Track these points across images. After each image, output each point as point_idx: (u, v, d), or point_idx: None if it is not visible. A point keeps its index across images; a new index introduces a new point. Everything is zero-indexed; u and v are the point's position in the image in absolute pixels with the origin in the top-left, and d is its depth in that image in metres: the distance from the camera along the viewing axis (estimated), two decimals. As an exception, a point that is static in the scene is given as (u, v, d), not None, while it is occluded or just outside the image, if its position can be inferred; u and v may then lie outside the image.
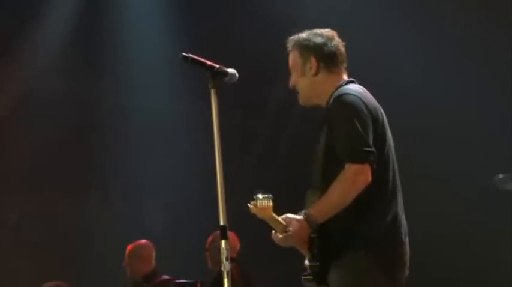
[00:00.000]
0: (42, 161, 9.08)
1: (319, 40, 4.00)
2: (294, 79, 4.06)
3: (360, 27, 8.01)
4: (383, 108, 3.99)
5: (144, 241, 7.41)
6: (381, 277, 3.77)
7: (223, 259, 3.64)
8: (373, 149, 3.73)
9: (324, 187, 3.79)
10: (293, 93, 4.11)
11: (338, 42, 4.04)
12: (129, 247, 7.36)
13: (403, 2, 8.38)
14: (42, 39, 8.95)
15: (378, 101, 3.96)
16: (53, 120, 9.05)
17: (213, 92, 3.76)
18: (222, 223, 3.66)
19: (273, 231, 3.82)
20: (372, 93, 3.98)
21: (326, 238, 3.78)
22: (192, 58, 3.79)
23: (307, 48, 4.00)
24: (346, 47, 4.08)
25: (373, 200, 3.79)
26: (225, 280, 3.64)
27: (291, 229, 3.76)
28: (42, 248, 9.04)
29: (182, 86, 8.85)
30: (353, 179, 3.69)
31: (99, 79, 9.37)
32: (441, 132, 8.28)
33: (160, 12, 9.06)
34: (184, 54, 3.79)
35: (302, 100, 4.06)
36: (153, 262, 7.33)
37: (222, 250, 3.65)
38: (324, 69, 3.99)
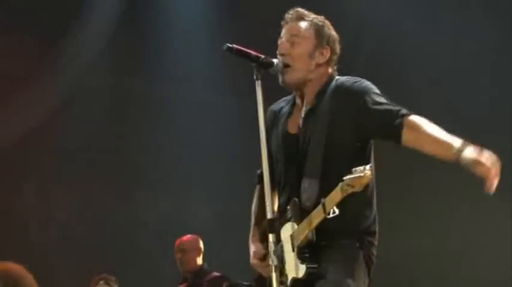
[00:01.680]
0: (89, 159, 9.13)
1: (335, 35, 3.91)
2: (294, 51, 3.83)
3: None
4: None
5: (190, 235, 7.40)
6: (366, 276, 3.74)
7: (271, 253, 3.59)
8: None
9: (325, 176, 3.62)
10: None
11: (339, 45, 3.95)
12: (177, 241, 7.35)
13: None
14: (88, 35, 9.00)
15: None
16: (101, 117, 9.10)
17: (258, 83, 3.67)
18: (269, 216, 3.59)
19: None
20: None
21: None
22: (237, 49, 3.70)
23: (326, 36, 3.86)
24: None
25: (371, 200, 3.77)
26: (272, 275, 3.58)
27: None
28: (89, 245, 9.09)
29: (228, 80, 8.83)
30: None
31: (147, 75, 9.40)
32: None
33: (205, 4, 9.04)
34: (228, 45, 3.69)
35: (290, 77, 3.82)
36: (201, 256, 7.30)
37: (269, 244, 3.59)
38: (330, 62, 3.88)
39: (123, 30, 9.05)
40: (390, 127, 3.63)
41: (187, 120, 9.34)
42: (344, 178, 3.41)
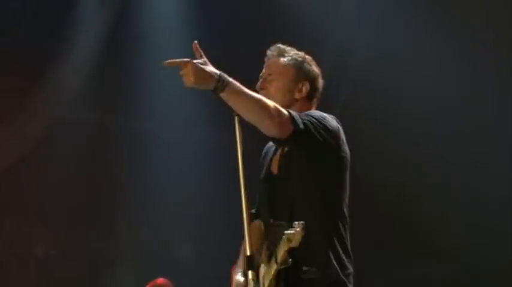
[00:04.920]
0: (69, 194, 9.08)
1: (316, 71, 3.95)
2: (272, 86, 3.86)
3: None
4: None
5: (161, 279, 6.91)
6: None
7: (251, 292, 3.58)
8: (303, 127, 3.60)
9: (293, 219, 3.45)
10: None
11: (322, 81, 3.98)
12: None
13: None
14: (67, 70, 9.00)
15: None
16: (79, 153, 9.06)
17: (237, 119, 3.66)
18: (248, 253, 3.57)
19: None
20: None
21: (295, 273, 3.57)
22: (215, 86, 3.70)
23: (306, 72, 3.91)
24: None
25: (337, 247, 3.68)
26: (251, 312, 3.55)
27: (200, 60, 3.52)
28: (69, 282, 9.02)
29: (211, 116, 8.83)
30: (278, 118, 3.53)
31: (129, 111, 9.39)
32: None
33: (187, 41, 9.05)
34: None
35: None
36: None
37: (248, 281, 3.57)
38: (310, 98, 3.91)
39: (103, 67, 9.05)
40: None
41: (168, 156, 9.33)
42: (285, 232, 3.37)
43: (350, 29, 8.99)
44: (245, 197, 3.58)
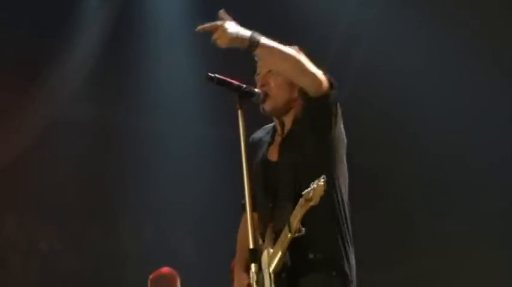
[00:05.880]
0: (72, 189, 9.10)
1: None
2: (274, 81, 3.85)
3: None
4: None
5: (166, 269, 6.68)
6: None
7: (254, 284, 3.59)
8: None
9: (297, 200, 3.51)
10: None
11: None
12: (151, 276, 6.60)
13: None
14: (69, 68, 9.01)
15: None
16: (82, 149, 9.08)
17: (239, 112, 3.66)
18: (251, 246, 3.57)
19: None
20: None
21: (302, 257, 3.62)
22: (218, 78, 3.68)
23: None
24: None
25: (342, 227, 3.72)
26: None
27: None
28: (72, 276, 9.03)
29: (212, 112, 8.84)
30: (320, 78, 3.64)
31: (130, 107, 9.40)
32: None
33: (189, 37, 9.06)
34: (209, 74, 3.68)
35: (271, 106, 3.84)
36: None
37: (251, 274, 3.58)
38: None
39: (105, 63, 9.05)
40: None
41: (171, 153, 9.34)
42: (302, 193, 3.41)
43: (352, 22, 9.00)
44: (248, 190, 3.59)
